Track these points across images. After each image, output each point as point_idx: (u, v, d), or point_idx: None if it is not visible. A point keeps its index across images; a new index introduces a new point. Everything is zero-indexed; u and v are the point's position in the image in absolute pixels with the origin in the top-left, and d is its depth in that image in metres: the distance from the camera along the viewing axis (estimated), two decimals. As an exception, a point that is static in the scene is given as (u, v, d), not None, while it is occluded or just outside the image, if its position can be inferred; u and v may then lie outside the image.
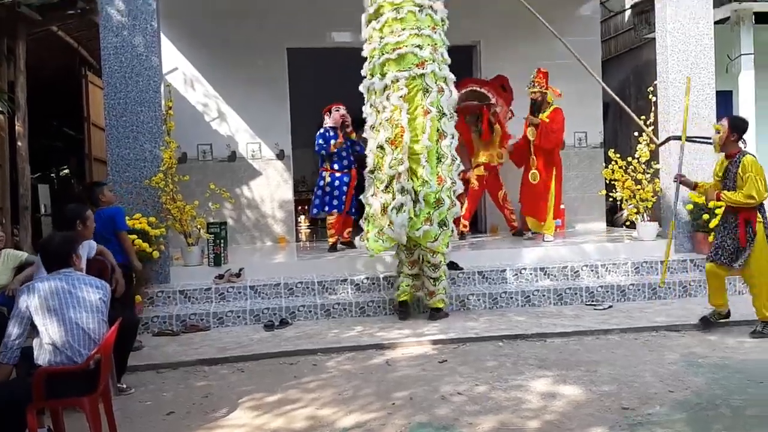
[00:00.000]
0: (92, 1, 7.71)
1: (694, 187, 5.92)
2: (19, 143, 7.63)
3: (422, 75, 5.98)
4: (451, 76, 6.22)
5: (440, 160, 6.05)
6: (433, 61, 6.02)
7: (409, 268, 6.25)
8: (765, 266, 5.49)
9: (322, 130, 8.00)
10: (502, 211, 8.91)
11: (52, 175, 14.34)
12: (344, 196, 7.96)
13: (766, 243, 5.47)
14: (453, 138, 6.18)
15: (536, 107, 8.09)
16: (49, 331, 3.56)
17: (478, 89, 8.56)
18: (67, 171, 14.27)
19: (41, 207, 10.47)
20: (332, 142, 7.83)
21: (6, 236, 5.39)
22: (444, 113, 6.10)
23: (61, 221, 4.99)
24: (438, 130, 6.03)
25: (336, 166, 7.97)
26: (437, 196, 5.99)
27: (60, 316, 3.59)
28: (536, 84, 8.04)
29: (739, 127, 5.57)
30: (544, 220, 8.17)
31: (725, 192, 5.51)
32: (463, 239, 8.55)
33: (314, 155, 8.31)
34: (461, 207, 7.57)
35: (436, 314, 6.22)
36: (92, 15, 7.85)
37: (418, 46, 5.98)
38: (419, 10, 6.06)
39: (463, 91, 8.09)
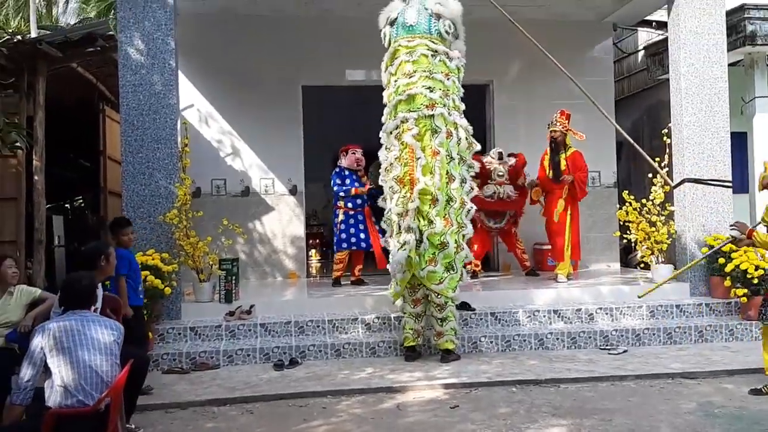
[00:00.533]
0: (112, 39, 7.85)
1: (749, 235, 5.20)
2: (35, 177, 7.70)
3: (431, 116, 6.01)
4: (465, 123, 6.23)
5: (449, 203, 6.05)
6: (444, 106, 6.05)
7: (412, 307, 6.19)
8: None
9: (338, 170, 8.14)
10: (513, 251, 8.87)
11: (67, 205, 14.45)
12: (362, 234, 8.06)
13: None
14: (464, 183, 6.17)
15: (555, 148, 8.08)
16: (62, 373, 3.55)
17: None
18: (81, 202, 14.39)
19: (55, 239, 10.53)
20: (355, 186, 8.01)
21: (19, 271, 5.40)
22: (453, 157, 6.09)
23: (83, 258, 4.98)
24: (447, 172, 6.04)
25: (350, 205, 8.09)
26: (442, 238, 5.94)
27: (73, 357, 3.58)
28: (558, 123, 8.05)
29: None
30: (561, 260, 8.11)
31: (758, 231, 5.13)
32: (475, 278, 8.51)
33: (326, 190, 8.37)
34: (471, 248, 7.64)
35: (446, 356, 6.13)
36: (111, 52, 7.97)
37: (429, 87, 6.03)
38: (432, 55, 6.13)
39: None
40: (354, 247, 8.09)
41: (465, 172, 6.20)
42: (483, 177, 8.18)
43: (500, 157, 8.58)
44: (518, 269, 9.21)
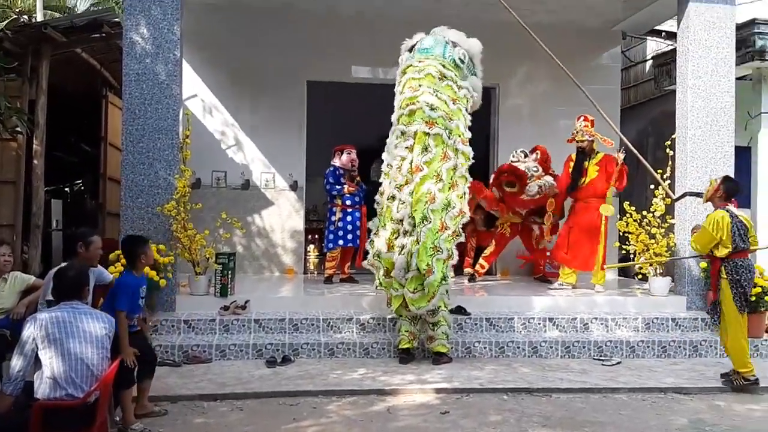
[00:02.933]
0: (117, 25, 7.83)
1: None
2: (35, 161, 7.68)
3: (427, 134, 5.98)
4: (468, 151, 6.18)
5: (447, 209, 6.01)
6: (445, 128, 6.02)
7: (408, 310, 6.17)
8: (733, 324, 5.67)
9: (332, 168, 8.18)
10: (533, 255, 8.79)
11: (66, 189, 14.41)
12: (358, 231, 8.12)
13: (732, 301, 5.63)
14: (452, 207, 6.05)
15: (583, 155, 7.99)
16: (53, 364, 3.53)
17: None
18: (81, 186, 14.35)
19: (53, 222, 10.50)
20: (345, 188, 8.04)
21: (14, 257, 5.38)
22: (442, 179, 5.97)
23: (67, 244, 4.97)
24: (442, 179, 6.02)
25: (348, 202, 8.14)
26: (436, 242, 5.88)
27: (64, 348, 3.57)
28: (585, 133, 7.89)
29: (729, 188, 5.84)
30: (587, 268, 7.96)
31: (694, 234, 6.01)
32: (472, 281, 8.49)
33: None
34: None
35: (438, 359, 6.12)
36: (116, 39, 7.96)
37: (431, 106, 6.01)
38: (440, 78, 6.13)
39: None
40: (349, 244, 8.13)
41: (454, 197, 6.08)
42: (521, 180, 8.06)
43: (524, 155, 8.47)
44: (518, 273, 9.20)
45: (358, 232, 8.12)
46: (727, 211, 5.72)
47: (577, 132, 7.98)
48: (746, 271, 5.66)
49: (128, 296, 4.64)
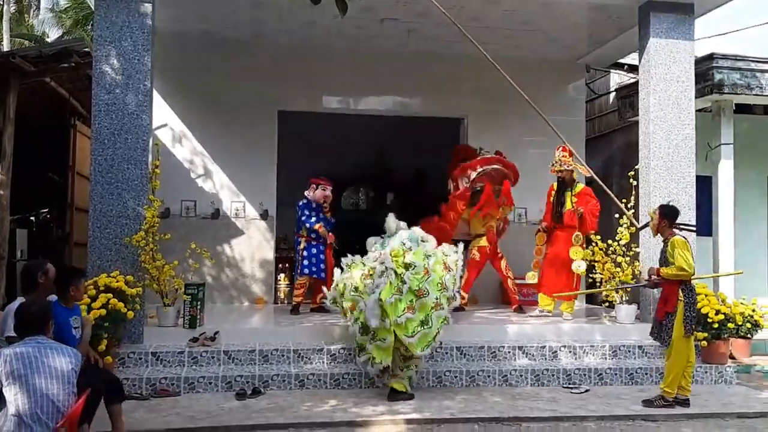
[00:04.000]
0: (87, 55, 7.81)
1: (657, 273, 6.09)
2: (0, 191, 7.57)
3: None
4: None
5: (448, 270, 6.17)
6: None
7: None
8: (679, 347, 5.85)
9: (305, 201, 8.20)
10: (504, 283, 8.82)
11: (32, 218, 14.15)
12: (323, 264, 8.15)
13: (682, 323, 5.81)
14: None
15: (564, 186, 8.12)
16: (17, 401, 3.48)
17: (502, 169, 8.59)
18: (47, 215, 14.11)
19: (17, 252, 10.31)
20: (317, 226, 8.06)
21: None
22: (414, 289, 5.99)
23: (23, 278, 4.85)
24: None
25: (313, 235, 8.16)
26: (421, 285, 5.94)
27: (29, 385, 3.51)
28: (563, 163, 8.04)
29: (667, 214, 6.11)
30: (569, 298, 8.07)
31: (663, 268, 6.00)
32: (461, 310, 8.40)
33: (296, 215, 8.34)
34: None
35: (394, 395, 5.93)
36: (86, 68, 7.93)
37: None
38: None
39: (490, 167, 8.42)
40: (314, 275, 8.15)
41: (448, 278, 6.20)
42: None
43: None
44: (486, 302, 9.27)
45: (322, 266, 8.15)
46: (681, 236, 5.98)
47: (556, 162, 8.14)
48: (696, 294, 6.04)
49: (56, 326, 4.35)
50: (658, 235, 6.22)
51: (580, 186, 8.17)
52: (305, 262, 8.13)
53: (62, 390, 3.60)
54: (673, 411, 5.85)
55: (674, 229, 6.07)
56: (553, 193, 8.26)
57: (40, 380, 3.53)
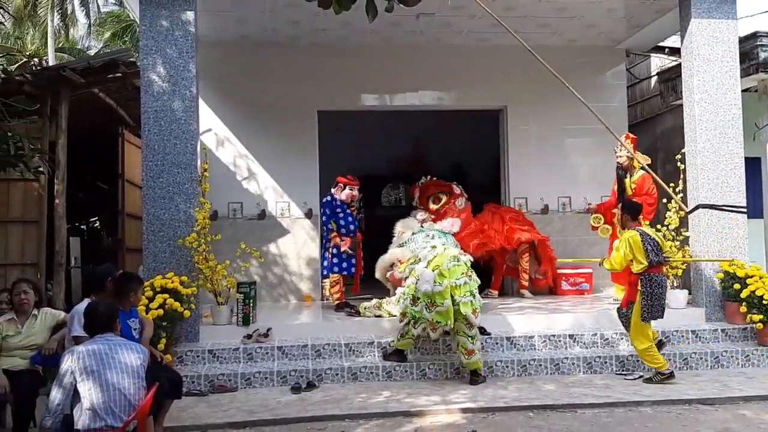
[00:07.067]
0: (133, 65, 8.04)
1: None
2: (56, 200, 7.84)
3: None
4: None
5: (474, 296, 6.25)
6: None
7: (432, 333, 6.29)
8: (636, 331, 6.17)
9: (329, 198, 8.23)
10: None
11: (83, 227, 14.61)
12: (353, 259, 8.21)
13: (639, 311, 6.07)
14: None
15: (623, 173, 8.08)
16: (91, 396, 3.63)
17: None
18: (97, 223, 14.55)
19: (71, 259, 10.65)
20: (343, 246, 8.11)
21: (40, 294, 5.47)
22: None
23: (92, 280, 5.06)
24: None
25: (342, 231, 8.18)
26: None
27: (102, 380, 3.66)
28: (622, 149, 7.97)
29: (632, 210, 6.45)
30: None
31: (607, 259, 6.53)
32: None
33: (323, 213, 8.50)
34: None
35: (476, 379, 6.14)
36: (132, 78, 8.17)
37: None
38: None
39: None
40: (344, 272, 8.18)
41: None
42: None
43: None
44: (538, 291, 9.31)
45: (353, 260, 8.20)
46: (638, 230, 6.21)
47: (616, 149, 8.14)
48: (658, 286, 6.09)
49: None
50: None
51: (640, 173, 8.06)
52: (335, 260, 8.15)
53: (133, 384, 3.75)
54: (732, 394, 5.77)
55: (639, 225, 6.37)
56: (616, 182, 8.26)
57: (112, 375, 3.68)
